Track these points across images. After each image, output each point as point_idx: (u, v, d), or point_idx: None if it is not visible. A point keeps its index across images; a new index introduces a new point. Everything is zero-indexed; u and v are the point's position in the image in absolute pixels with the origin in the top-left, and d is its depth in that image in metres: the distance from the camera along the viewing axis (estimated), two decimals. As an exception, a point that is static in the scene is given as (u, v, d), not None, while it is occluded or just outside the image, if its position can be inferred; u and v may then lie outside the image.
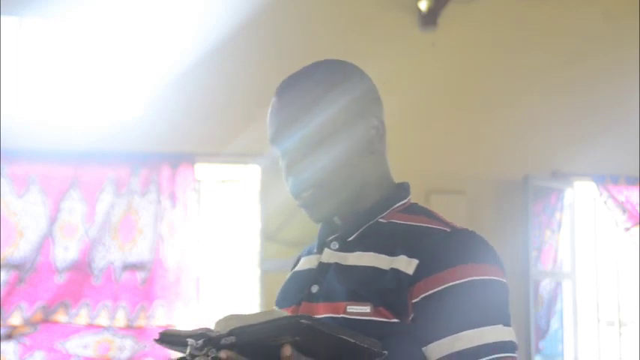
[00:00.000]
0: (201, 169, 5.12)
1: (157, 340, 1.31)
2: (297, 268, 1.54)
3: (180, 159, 5.02)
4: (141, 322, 4.87)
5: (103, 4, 5.08)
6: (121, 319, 4.86)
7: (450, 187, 5.31)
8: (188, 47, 5.11)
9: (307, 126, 1.42)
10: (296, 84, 1.46)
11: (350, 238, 1.44)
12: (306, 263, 1.50)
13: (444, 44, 5.49)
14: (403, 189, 1.49)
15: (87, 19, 5.09)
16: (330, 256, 1.44)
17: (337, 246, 1.44)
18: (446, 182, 5.32)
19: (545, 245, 5.52)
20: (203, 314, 4.93)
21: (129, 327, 4.86)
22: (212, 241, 5.35)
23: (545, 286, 5.55)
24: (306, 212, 1.47)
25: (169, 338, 1.30)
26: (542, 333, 5.51)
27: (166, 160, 4.99)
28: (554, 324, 5.58)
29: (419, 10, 5.45)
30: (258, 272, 5.16)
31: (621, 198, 5.63)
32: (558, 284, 5.60)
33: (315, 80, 1.45)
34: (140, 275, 4.90)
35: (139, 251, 4.91)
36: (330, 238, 1.46)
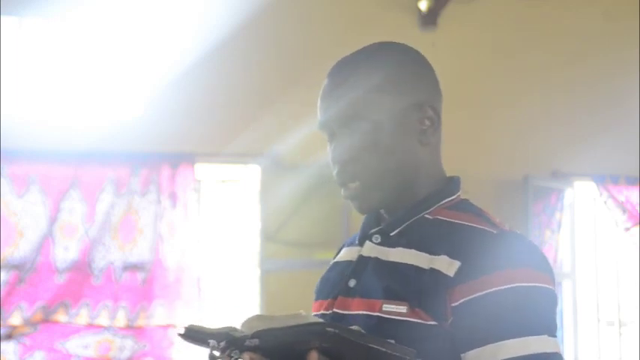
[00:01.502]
0: (201, 169, 5.12)
1: (181, 335, 1.26)
2: (337, 259, 1.47)
3: (180, 159, 5.01)
4: (141, 322, 4.87)
5: (103, 4, 5.08)
6: (121, 319, 4.86)
7: (450, 187, 5.31)
8: (188, 47, 5.11)
9: (357, 111, 1.34)
10: (350, 66, 1.38)
11: (393, 233, 1.37)
12: (347, 254, 1.43)
13: (444, 44, 5.49)
14: (453, 184, 1.43)
15: (87, 19, 5.09)
16: (371, 249, 1.37)
17: (379, 240, 1.37)
18: (446, 182, 5.32)
19: (545, 245, 5.51)
20: (204, 314, 4.93)
21: (129, 327, 4.86)
22: (212, 241, 5.35)
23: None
24: (352, 203, 1.39)
25: (193, 334, 1.26)
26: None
27: (166, 160, 4.99)
28: (554, 324, 5.57)
29: (419, 10, 5.45)
30: (258, 272, 5.16)
31: (621, 198, 5.63)
32: (558, 284, 5.60)
33: (371, 64, 1.37)
34: (140, 275, 4.90)
35: (139, 251, 4.91)
36: (373, 230, 1.39)
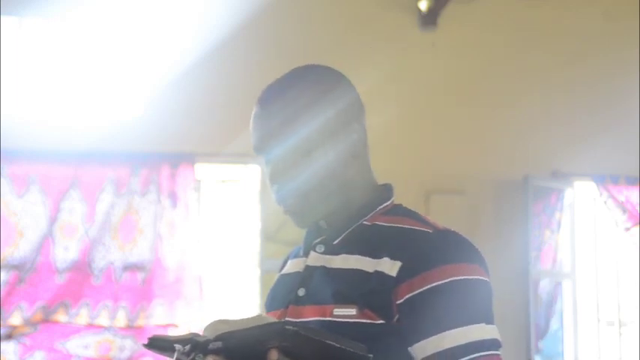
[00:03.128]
0: (201, 169, 5.12)
1: (145, 345, 1.33)
2: (284, 271, 1.56)
3: (180, 159, 5.01)
4: (141, 322, 4.87)
5: (103, 4, 5.08)
6: (121, 320, 4.86)
7: (450, 187, 5.31)
8: (188, 47, 5.11)
9: (291, 134, 1.43)
10: (279, 91, 1.47)
11: (335, 242, 1.46)
12: (293, 266, 1.53)
13: (444, 44, 5.49)
14: (386, 191, 1.51)
15: (87, 19, 5.09)
16: (316, 259, 1.46)
17: (323, 249, 1.46)
18: (446, 182, 5.32)
19: (545, 245, 5.51)
20: (204, 314, 4.93)
21: (129, 327, 4.86)
22: (212, 241, 5.35)
23: (544, 286, 5.55)
24: (292, 219, 1.50)
25: (158, 343, 1.31)
26: (542, 333, 5.51)
27: (166, 160, 4.99)
28: (554, 324, 5.58)
29: (419, 10, 5.45)
30: (258, 272, 5.16)
31: (621, 198, 5.63)
32: (558, 284, 5.60)
33: (298, 87, 1.46)
34: (140, 275, 4.90)
35: (140, 251, 4.91)
36: (316, 241, 1.48)
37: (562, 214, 5.60)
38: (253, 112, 1.48)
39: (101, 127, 5.01)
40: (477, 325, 1.34)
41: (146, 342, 1.33)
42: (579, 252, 5.72)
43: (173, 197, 4.96)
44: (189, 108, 5.16)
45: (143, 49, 5.13)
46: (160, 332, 4.86)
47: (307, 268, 1.47)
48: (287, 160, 1.45)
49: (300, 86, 1.46)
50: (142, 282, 4.90)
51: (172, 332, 4.86)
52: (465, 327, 1.33)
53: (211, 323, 1.28)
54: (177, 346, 1.26)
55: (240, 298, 5.35)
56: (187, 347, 1.26)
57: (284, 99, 1.45)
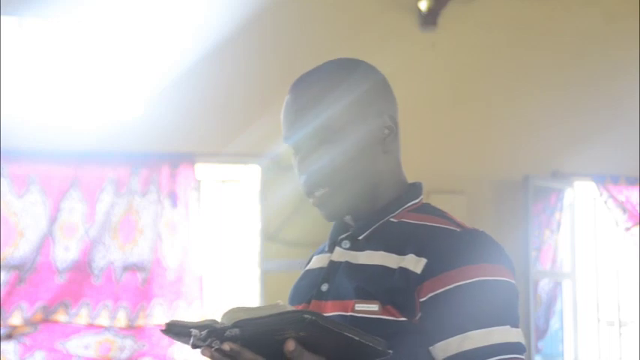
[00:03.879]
0: (201, 169, 5.12)
1: (163, 331, 1.31)
2: (308, 267, 1.54)
3: (180, 159, 5.01)
4: (141, 322, 4.87)
5: (102, 4, 5.08)
6: (121, 320, 4.86)
7: (450, 187, 5.31)
8: (188, 47, 5.11)
9: (321, 124, 1.42)
10: (310, 82, 1.46)
11: (361, 237, 1.44)
12: (318, 262, 1.51)
13: (444, 44, 5.49)
14: (415, 189, 1.49)
15: (87, 19, 5.09)
16: (340, 254, 1.44)
17: (348, 245, 1.44)
18: (446, 182, 5.32)
19: (545, 245, 5.52)
20: (205, 314, 4.93)
21: (129, 327, 4.86)
22: (212, 241, 5.35)
23: (544, 286, 5.55)
24: (319, 211, 1.47)
25: (175, 329, 1.30)
26: (541, 333, 5.51)
27: (166, 160, 4.99)
28: (554, 324, 5.58)
29: (419, 10, 5.45)
30: (258, 272, 5.16)
31: (621, 198, 5.64)
32: (557, 284, 5.61)
33: (330, 78, 1.45)
34: (140, 275, 4.90)
35: (140, 251, 4.91)
36: (342, 236, 1.46)
37: (562, 214, 5.61)
38: (285, 101, 1.47)
39: (101, 127, 5.01)
40: (501, 327, 1.31)
41: (164, 327, 1.31)
42: (579, 252, 5.72)
43: (173, 197, 4.96)
44: (189, 108, 5.16)
45: (143, 49, 5.13)
46: (161, 332, 4.86)
47: (331, 263, 1.45)
48: (315, 151, 1.43)
49: (332, 77, 1.45)
50: (142, 282, 4.90)
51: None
52: (488, 328, 1.30)
53: (229, 310, 1.26)
54: (194, 332, 1.25)
55: (240, 298, 5.35)
56: (204, 333, 1.24)
57: (315, 89, 1.44)
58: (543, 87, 5.65)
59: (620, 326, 6.22)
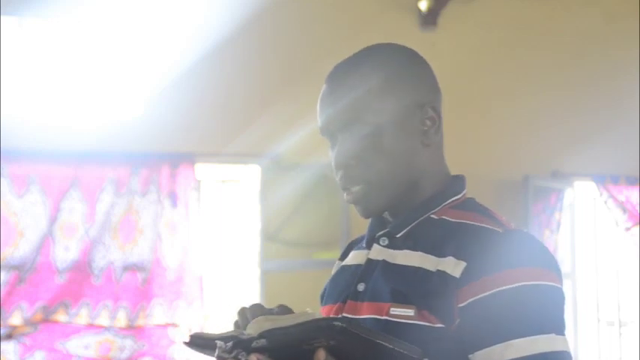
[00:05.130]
0: (201, 169, 5.12)
1: (186, 343, 1.25)
2: (345, 262, 1.47)
3: (180, 159, 5.01)
4: (141, 322, 4.87)
5: (102, 4, 5.08)
6: (121, 320, 4.86)
7: (450, 187, 5.31)
8: (188, 47, 5.11)
9: (358, 115, 1.33)
10: (348, 70, 1.37)
11: (399, 235, 1.36)
12: (355, 258, 1.44)
13: (444, 44, 5.49)
14: (458, 183, 1.42)
15: (87, 19, 5.09)
16: (378, 252, 1.37)
17: (386, 242, 1.37)
18: (446, 182, 5.32)
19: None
20: (204, 314, 4.93)
21: (129, 327, 4.86)
22: (212, 241, 5.35)
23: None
24: (356, 208, 1.38)
25: (199, 341, 1.24)
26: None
27: (166, 160, 4.99)
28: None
29: (419, 10, 5.45)
30: (258, 272, 5.16)
31: (621, 198, 5.63)
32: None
33: (370, 66, 1.37)
34: (140, 275, 4.90)
35: (140, 251, 4.91)
36: (380, 233, 1.39)
37: (562, 214, 5.61)
38: (321, 92, 1.38)
39: (101, 127, 5.01)
40: (547, 335, 1.23)
41: (187, 340, 1.24)
42: (579, 252, 5.72)
43: (173, 197, 4.96)
44: (189, 108, 5.16)
45: (143, 49, 5.13)
46: (160, 332, 4.86)
47: (369, 261, 1.37)
48: (352, 145, 1.34)
49: (370, 66, 1.36)
50: (142, 282, 4.90)
51: (172, 331, 4.86)
52: (532, 337, 1.22)
53: (256, 320, 1.21)
54: (220, 343, 1.19)
55: (240, 298, 5.35)
56: (230, 344, 1.18)
57: (351, 79, 1.35)
58: (543, 87, 5.65)
59: (620, 326, 6.22)
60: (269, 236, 5.16)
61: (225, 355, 1.19)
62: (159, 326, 4.87)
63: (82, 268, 4.84)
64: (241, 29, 5.11)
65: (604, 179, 5.63)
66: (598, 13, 5.76)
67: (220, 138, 5.11)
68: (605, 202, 5.64)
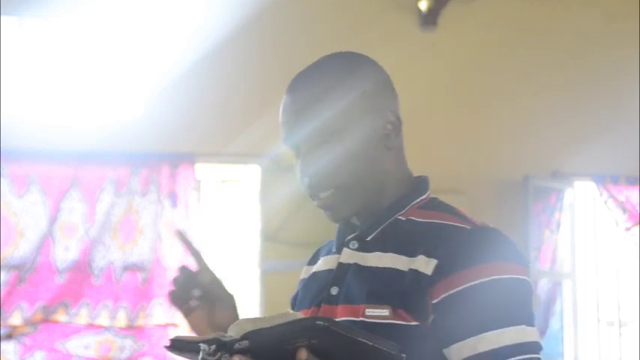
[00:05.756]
0: (201, 169, 5.12)
1: (167, 347, 1.27)
2: (316, 269, 1.49)
3: (180, 159, 5.01)
4: (141, 322, 4.87)
5: (102, 4, 5.08)
6: (121, 320, 4.86)
7: (450, 187, 5.30)
8: (188, 47, 5.11)
9: (322, 124, 1.37)
10: (308, 80, 1.41)
11: (369, 238, 1.40)
12: (326, 263, 1.46)
13: (444, 44, 5.49)
14: (422, 183, 1.45)
15: (87, 19, 5.09)
16: (349, 256, 1.40)
17: (356, 245, 1.40)
18: (446, 182, 5.31)
19: (544, 245, 5.52)
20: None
21: (129, 327, 4.86)
22: (212, 241, 5.35)
23: (542, 286, 5.55)
24: (325, 214, 1.42)
25: (181, 345, 1.26)
26: (541, 333, 5.51)
27: (166, 160, 4.99)
28: (554, 324, 5.58)
29: (419, 10, 5.45)
30: (258, 272, 5.16)
31: (621, 198, 5.64)
32: (556, 284, 5.60)
33: (328, 75, 1.40)
34: (140, 275, 4.90)
35: (140, 251, 4.91)
36: (349, 237, 1.42)
37: (562, 214, 5.61)
38: (282, 103, 1.42)
39: (101, 127, 5.01)
40: (517, 327, 1.27)
41: (168, 344, 1.25)
42: (579, 252, 5.72)
43: (173, 197, 4.96)
44: (189, 108, 5.16)
45: (143, 49, 5.13)
46: (160, 332, 4.86)
47: (340, 265, 1.40)
48: (318, 152, 1.38)
49: (329, 75, 1.40)
50: (142, 282, 4.90)
51: (172, 331, 4.86)
52: (504, 329, 1.27)
53: (237, 322, 1.23)
54: (203, 346, 1.20)
55: (240, 298, 5.34)
56: (213, 347, 1.20)
57: (313, 87, 1.39)
58: (543, 87, 5.65)
59: (620, 326, 6.22)
60: (269, 236, 5.17)
61: (209, 358, 1.21)
62: (159, 326, 4.87)
63: (82, 268, 4.84)
64: (241, 29, 5.11)
65: (604, 179, 5.63)
66: (598, 13, 5.76)
67: (220, 138, 5.11)
68: (605, 202, 5.64)
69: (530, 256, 5.36)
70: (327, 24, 5.38)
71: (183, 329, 4.87)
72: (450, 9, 5.45)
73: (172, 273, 4.93)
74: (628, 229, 5.64)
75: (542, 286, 5.55)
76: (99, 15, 5.09)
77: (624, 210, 5.63)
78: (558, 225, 5.59)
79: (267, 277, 5.13)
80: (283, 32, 5.34)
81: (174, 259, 4.94)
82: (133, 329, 4.86)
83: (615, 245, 6.11)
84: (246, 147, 5.09)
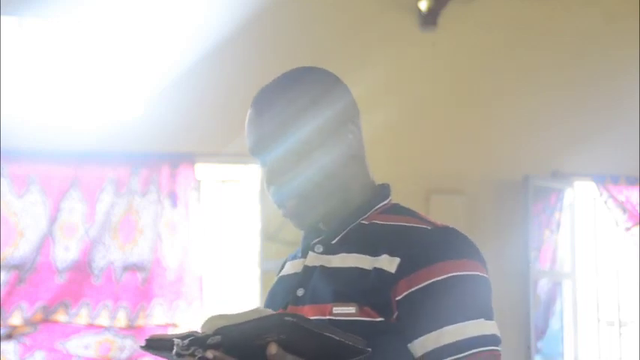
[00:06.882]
0: (201, 169, 5.12)
1: (143, 347, 1.33)
2: (282, 273, 1.57)
3: (180, 159, 5.02)
4: (141, 322, 4.88)
5: (102, 4, 5.08)
6: (121, 320, 4.86)
7: (450, 187, 5.31)
8: (188, 47, 5.11)
9: (286, 135, 1.44)
10: (272, 93, 1.48)
11: (333, 241, 1.46)
12: (292, 267, 1.53)
13: (444, 44, 5.49)
14: (383, 190, 1.51)
15: (87, 19, 5.09)
16: (314, 259, 1.46)
17: (321, 249, 1.47)
18: (446, 182, 5.32)
19: (544, 245, 5.52)
20: (204, 314, 4.93)
21: (129, 327, 4.86)
22: (212, 241, 5.35)
23: (543, 286, 5.55)
24: (292, 221, 1.50)
25: (156, 344, 1.31)
26: (540, 333, 5.51)
27: (166, 160, 4.99)
28: (554, 324, 5.58)
29: (419, 10, 5.45)
30: (258, 272, 5.16)
31: (621, 198, 5.63)
32: (556, 284, 5.60)
33: (292, 88, 1.47)
34: (140, 275, 4.90)
35: (140, 251, 4.91)
36: (314, 241, 1.48)
37: (562, 214, 5.60)
38: (248, 115, 1.49)
39: (101, 127, 5.01)
40: (476, 320, 1.34)
41: (144, 344, 1.33)
42: (579, 252, 5.72)
43: (173, 197, 4.96)
44: (189, 108, 5.16)
45: (143, 49, 5.13)
46: (160, 332, 4.86)
47: (305, 268, 1.47)
48: (283, 162, 1.46)
49: (294, 88, 1.47)
50: (142, 282, 4.90)
51: (172, 331, 4.86)
52: (464, 323, 1.33)
53: (209, 318, 1.29)
54: (177, 341, 1.26)
55: (240, 298, 5.35)
56: (186, 342, 1.26)
57: (278, 101, 1.46)
58: (543, 87, 5.65)
59: (620, 326, 6.22)
60: (269, 236, 5.16)
61: (183, 353, 1.26)
62: (159, 326, 4.87)
63: (82, 268, 4.84)
64: (241, 29, 5.11)
65: (604, 179, 5.62)
66: (598, 13, 5.76)
67: (220, 138, 5.11)
68: (605, 202, 5.64)
69: (530, 256, 5.36)
70: (327, 24, 5.38)
71: (183, 329, 4.87)
72: (450, 9, 5.45)
73: (172, 273, 4.93)
74: (628, 229, 5.64)
75: (542, 286, 5.55)
76: (99, 15, 5.09)
77: (624, 210, 5.63)
78: (558, 225, 5.58)
79: (267, 277, 5.12)
80: (283, 32, 5.34)
81: (174, 259, 4.94)
82: (132, 329, 4.87)
83: (615, 245, 6.11)
84: (246, 147, 5.08)
